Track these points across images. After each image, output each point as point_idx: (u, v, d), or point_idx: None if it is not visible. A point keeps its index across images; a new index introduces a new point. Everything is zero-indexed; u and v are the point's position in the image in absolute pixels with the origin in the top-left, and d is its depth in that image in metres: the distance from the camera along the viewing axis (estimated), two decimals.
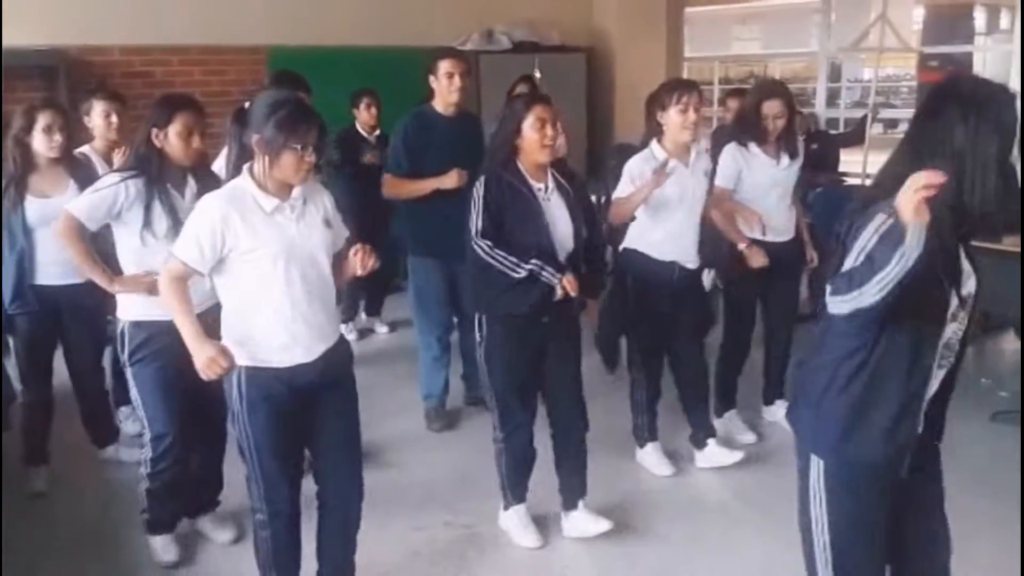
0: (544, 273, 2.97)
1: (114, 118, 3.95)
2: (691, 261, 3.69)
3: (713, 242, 3.91)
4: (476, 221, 2.99)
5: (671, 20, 8.33)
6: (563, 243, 3.06)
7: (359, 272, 2.53)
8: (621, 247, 3.77)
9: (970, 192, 1.82)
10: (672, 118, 3.52)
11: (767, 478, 3.81)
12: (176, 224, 2.84)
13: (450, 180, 3.95)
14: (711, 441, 3.88)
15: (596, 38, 8.13)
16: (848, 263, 1.82)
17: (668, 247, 3.62)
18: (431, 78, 4.08)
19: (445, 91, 4.06)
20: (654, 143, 3.63)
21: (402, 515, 3.51)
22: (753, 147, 3.96)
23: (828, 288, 1.81)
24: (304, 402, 2.54)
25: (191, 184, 2.98)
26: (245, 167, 2.44)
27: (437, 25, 7.09)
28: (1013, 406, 4.30)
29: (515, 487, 3.30)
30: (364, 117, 5.57)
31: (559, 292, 2.99)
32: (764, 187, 3.96)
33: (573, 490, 3.33)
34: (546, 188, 3.07)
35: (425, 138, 4.06)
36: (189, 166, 2.98)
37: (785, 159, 4.01)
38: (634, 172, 3.56)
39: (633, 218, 3.62)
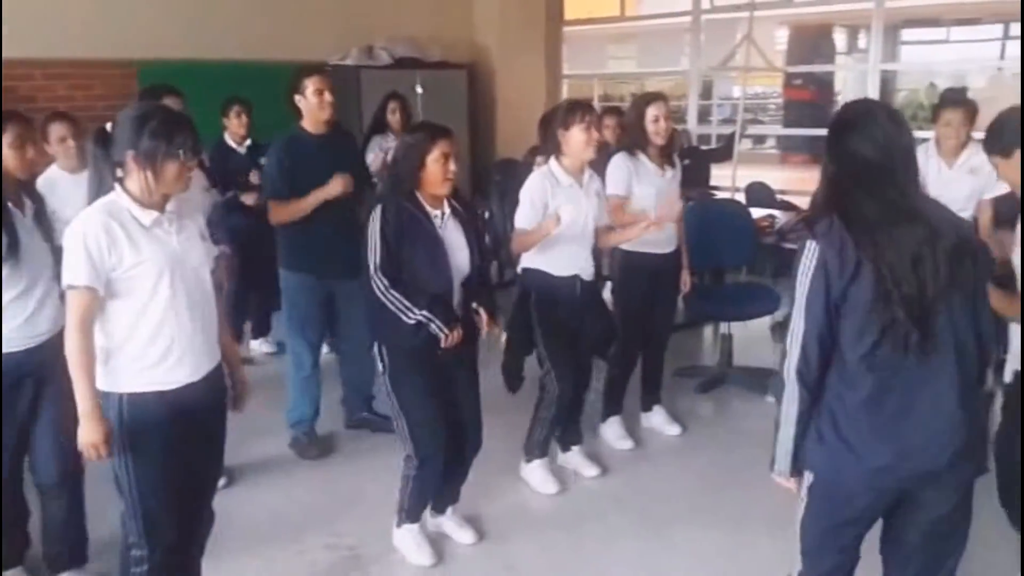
0: (432, 325, 2.99)
1: None
2: (589, 274, 3.77)
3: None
4: (373, 256, 2.97)
5: (550, 38, 8.52)
6: (460, 268, 3.10)
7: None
8: (520, 267, 3.78)
9: None
10: (576, 136, 3.57)
11: (645, 483, 3.94)
12: (14, 243, 2.70)
13: (334, 187, 3.88)
14: (576, 448, 4.03)
15: (477, 55, 8.23)
16: None
17: (567, 263, 3.67)
18: (297, 98, 3.95)
19: (316, 109, 3.93)
20: (552, 161, 3.68)
21: (283, 539, 3.46)
22: (641, 156, 4.09)
23: None
24: (187, 425, 2.46)
25: (28, 203, 2.84)
26: (117, 184, 2.36)
27: (316, 40, 7.03)
28: None
29: (414, 509, 3.29)
30: (234, 126, 5.36)
31: (444, 343, 3.02)
32: (651, 197, 4.05)
33: (447, 499, 3.42)
34: (443, 215, 3.09)
35: (299, 161, 3.94)
36: (25, 180, 2.85)
37: (668, 171, 4.18)
38: (534, 193, 3.59)
39: None
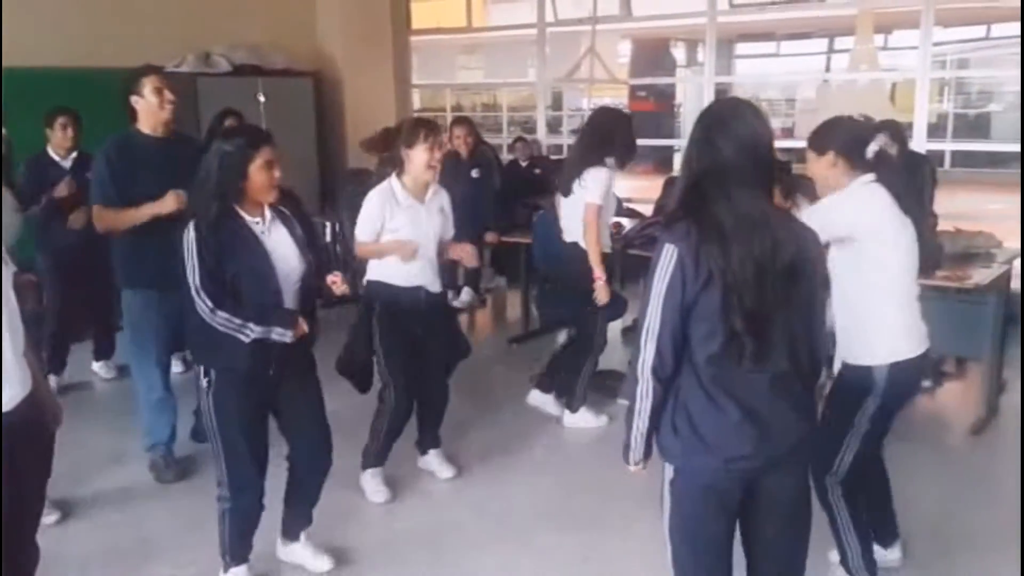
0: (272, 335, 2.79)
1: None
2: (435, 286, 3.75)
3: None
4: (193, 275, 2.74)
5: (397, 47, 8.46)
6: (291, 275, 2.91)
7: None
8: (365, 280, 3.74)
9: None
10: (419, 156, 3.57)
11: (502, 490, 3.93)
12: None
13: (168, 204, 3.63)
14: (433, 451, 4.05)
15: (322, 62, 8.06)
16: None
17: (410, 275, 3.66)
18: (134, 98, 3.73)
19: (156, 108, 3.72)
20: (394, 179, 3.66)
21: (120, 572, 3.26)
22: None
23: None
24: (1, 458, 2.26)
25: None
26: None
27: (148, 46, 6.57)
28: None
29: (237, 549, 3.08)
30: (59, 139, 4.99)
31: (293, 339, 2.83)
32: None
33: (298, 521, 3.25)
34: (264, 220, 2.90)
35: (133, 164, 3.71)
36: None
37: None
38: (372, 209, 3.61)
39: None
